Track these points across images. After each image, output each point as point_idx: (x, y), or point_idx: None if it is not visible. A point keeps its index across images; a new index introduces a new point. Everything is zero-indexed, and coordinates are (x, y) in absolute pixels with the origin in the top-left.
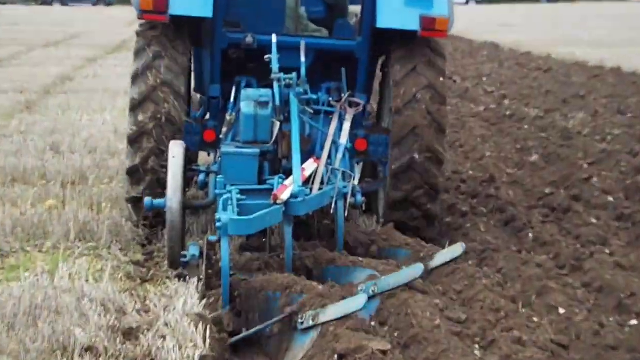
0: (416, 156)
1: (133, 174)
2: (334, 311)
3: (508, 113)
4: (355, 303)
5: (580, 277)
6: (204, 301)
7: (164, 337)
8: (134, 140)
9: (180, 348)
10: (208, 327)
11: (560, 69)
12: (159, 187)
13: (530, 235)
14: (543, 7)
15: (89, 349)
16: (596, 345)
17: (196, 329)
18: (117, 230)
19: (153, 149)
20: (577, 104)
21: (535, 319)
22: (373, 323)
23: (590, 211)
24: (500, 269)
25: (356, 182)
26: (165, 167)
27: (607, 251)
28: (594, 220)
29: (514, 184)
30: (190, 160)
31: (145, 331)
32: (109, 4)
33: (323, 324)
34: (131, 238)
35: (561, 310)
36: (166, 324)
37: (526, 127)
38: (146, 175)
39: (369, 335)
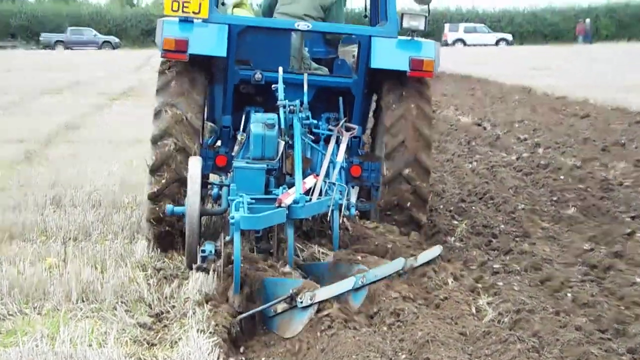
0: (403, 198)
1: (154, 199)
2: (328, 291)
3: (542, 162)
4: (346, 284)
5: (624, 342)
6: None
7: None
8: (155, 170)
9: None
10: None
11: (598, 114)
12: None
13: (569, 295)
14: (579, 48)
15: None
16: None
17: None
18: (123, 290)
19: (172, 177)
20: (617, 152)
21: None
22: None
23: (634, 269)
24: (535, 332)
25: (353, 200)
26: (182, 194)
27: None
28: (638, 279)
29: (550, 240)
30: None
31: None
32: (115, 47)
33: (320, 302)
34: (137, 298)
35: None
36: None
37: (562, 177)
38: (166, 199)
39: None
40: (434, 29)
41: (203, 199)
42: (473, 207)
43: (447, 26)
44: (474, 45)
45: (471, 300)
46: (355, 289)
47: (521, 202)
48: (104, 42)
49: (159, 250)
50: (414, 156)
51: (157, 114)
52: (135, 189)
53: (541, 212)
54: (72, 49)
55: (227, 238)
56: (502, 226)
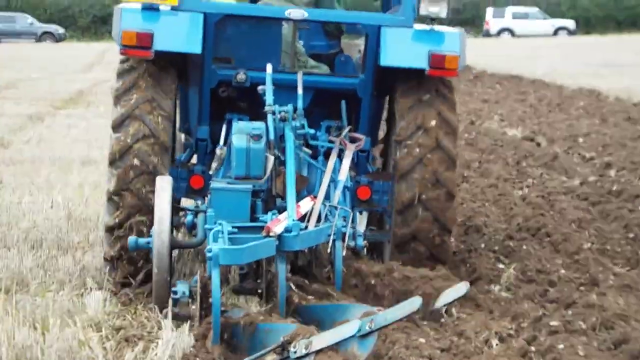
0: (422, 228)
1: (112, 231)
2: (326, 338)
3: (615, 188)
4: (348, 329)
5: None
6: None
7: None
8: (114, 196)
9: None
10: None
11: None
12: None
13: None
14: None
15: None
16: None
17: None
18: (71, 357)
19: (135, 205)
20: None
21: None
22: None
23: None
24: None
25: (361, 229)
26: (149, 224)
27: None
28: None
29: (625, 289)
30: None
31: None
32: (59, 40)
33: (316, 352)
34: None
35: None
36: None
37: None
38: (128, 232)
39: None
40: (473, 16)
41: (174, 229)
42: (524, 247)
43: (489, 11)
44: (525, 35)
45: None
46: (362, 336)
47: (587, 240)
48: (44, 32)
49: (118, 304)
50: (434, 176)
51: (116, 127)
52: (87, 223)
53: (613, 253)
54: (0, 42)
55: (205, 275)
56: (562, 271)
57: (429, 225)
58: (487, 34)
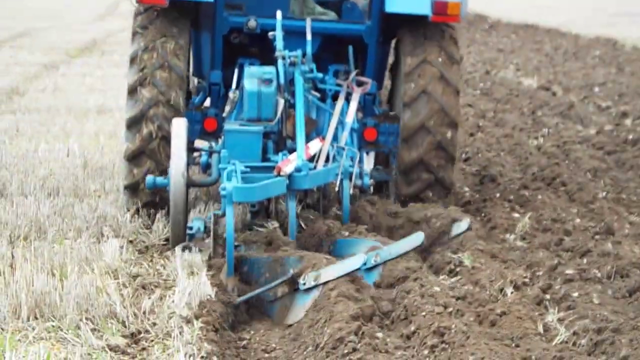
0: (427, 154)
1: (133, 158)
2: (334, 271)
3: (631, 137)
4: (354, 262)
5: None
6: None
7: None
8: (132, 125)
9: None
10: None
11: None
12: (160, 173)
13: None
14: None
15: None
16: None
17: None
18: (88, 304)
19: (153, 132)
20: None
21: None
22: None
23: None
24: (624, 357)
25: (369, 169)
26: (167, 152)
27: None
28: None
29: None
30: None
31: None
32: None
33: (324, 283)
34: (108, 314)
35: None
36: None
37: None
38: (147, 159)
39: None
40: None
41: (189, 167)
42: (539, 196)
43: None
44: None
45: (537, 316)
46: (368, 269)
47: (602, 190)
48: None
49: (136, 252)
50: (438, 105)
51: (133, 60)
52: (102, 172)
53: (629, 202)
54: None
55: (219, 212)
56: (578, 220)
57: (434, 151)
58: None
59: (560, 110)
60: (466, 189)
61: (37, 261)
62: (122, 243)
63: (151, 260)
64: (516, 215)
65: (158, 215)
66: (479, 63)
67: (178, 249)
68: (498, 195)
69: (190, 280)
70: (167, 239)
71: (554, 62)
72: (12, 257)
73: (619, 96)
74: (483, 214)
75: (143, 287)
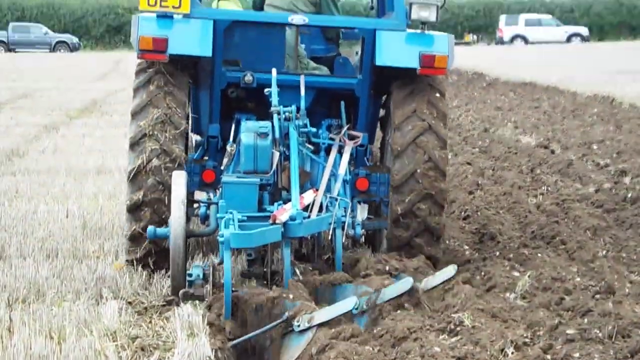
0: (417, 203)
1: (134, 210)
2: (327, 313)
3: (630, 195)
4: (346, 305)
5: None
6: None
7: None
8: (134, 178)
9: None
10: None
11: None
12: (160, 223)
13: None
14: None
15: None
16: None
17: None
18: None
19: (154, 185)
20: None
21: None
22: None
23: None
24: None
25: (363, 218)
26: (167, 203)
27: None
28: None
29: None
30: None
31: None
32: (73, 49)
33: (318, 325)
34: None
35: None
36: None
37: None
38: (147, 210)
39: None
40: (486, 23)
41: (189, 219)
42: (539, 254)
43: (502, 18)
44: (539, 42)
45: None
46: (360, 313)
47: (602, 248)
48: (59, 42)
49: (135, 314)
50: (427, 156)
51: (135, 114)
52: (102, 232)
53: (629, 260)
54: (15, 51)
55: (217, 259)
56: (578, 279)
57: (423, 200)
58: (501, 42)
59: (559, 168)
60: (466, 247)
61: (35, 324)
62: (121, 304)
63: (150, 322)
64: (516, 273)
65: (156, 276)
66: (478, 121)
67: (180, 294)
68: (498, 253)
69: (190, 341)
70: (166, 301)
71: (552, 120)
72: (10, 320)
73: (618, 154)
74: (483, 273)
75: (142, 349)
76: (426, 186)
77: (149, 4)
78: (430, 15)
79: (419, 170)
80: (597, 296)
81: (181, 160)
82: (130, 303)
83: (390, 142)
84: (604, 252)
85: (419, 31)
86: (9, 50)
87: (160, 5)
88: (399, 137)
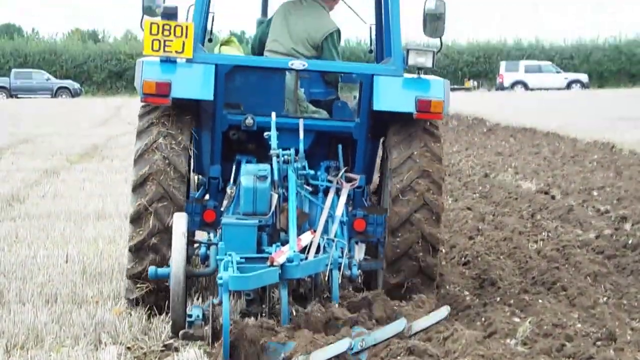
0: (412, 246)
1: (136, 250)
2: (322, 354)
3: (631, 242)
4: (341, 346)
5: None
6: None
7: None
8: (136, 219)
9: None
10: None
11: None
12: (161, 263)
13: None
14: None
15: None
16: None
17: None
18: None
19: (156, 226)
20: None
21: None
22: None
23: None
24: None
25: (358, 258)
26: (168, 244)
27: None
28: None
29: None
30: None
31: None
32: (74, 95)
33: None
34: None
35: None
36: None
37: None
38: (149, 251)
39: None
40: (485, 69)
41: (189, 259)
42: (539, 300)
43: (503, 65)
44: (539, 89)
45: None
46: (354, 353)
47: (603, 295)
48: (60, 87)
49: (133, 359)
50: (422, 200)
51: (138, 158)
52: (101, 277)
53: (630, 307)
54: (17, 97)
55: (216, 300)
56: (579, 325)
57: (418, 242)
58: (501, 87)
59: (559, 213)
60: (466, 292)
61: None
62: (120, 350)
63: None
64: (517, 319)
65: (156, 320)
66: (478, 166)
67: (180, 334)
68: (498, 299)
69: None
70: (165, 345)
71: (552, 166)
72: None
73: (618, 200)
74: (483, 318)
75: None
76: (421, 229)
77: (152, 49)
78: (427, 61)
79: (414, 215)
80: (599, 343)
81: (182, 203)
82: (129, 348)
83: (387, 185)
84: (605, 298)
85: (415, 76)
86: (11, 96)
87: (164, 50)
88: (395, 181)
